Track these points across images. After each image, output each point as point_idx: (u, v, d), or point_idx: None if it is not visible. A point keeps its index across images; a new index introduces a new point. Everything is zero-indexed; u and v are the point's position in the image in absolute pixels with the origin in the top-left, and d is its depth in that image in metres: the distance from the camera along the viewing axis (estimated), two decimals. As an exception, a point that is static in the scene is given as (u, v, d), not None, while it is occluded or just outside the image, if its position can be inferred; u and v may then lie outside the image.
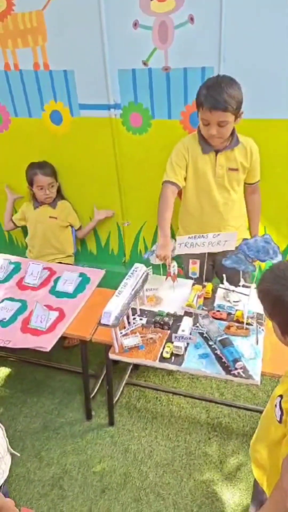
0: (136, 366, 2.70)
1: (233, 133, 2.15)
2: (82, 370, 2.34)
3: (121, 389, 2.55)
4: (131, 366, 2.66)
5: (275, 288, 1.17)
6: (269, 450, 1.32)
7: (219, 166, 2.20)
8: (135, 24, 2.23)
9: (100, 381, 2.55)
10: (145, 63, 2.35)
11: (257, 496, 1.69)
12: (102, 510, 2.02)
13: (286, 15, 1.99)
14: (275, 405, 1.24)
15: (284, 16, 1.99)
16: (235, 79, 2.02)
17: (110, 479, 2.15)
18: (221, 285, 2.27)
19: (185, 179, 2.29)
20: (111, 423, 2.40)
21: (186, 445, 2.28)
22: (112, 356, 1.98)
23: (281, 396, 1.22)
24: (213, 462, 2.20)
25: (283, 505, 1.19)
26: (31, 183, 2.80)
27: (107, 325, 1.88)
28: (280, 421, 1.23)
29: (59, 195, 2.89)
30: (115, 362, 2.67)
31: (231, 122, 2.05)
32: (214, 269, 2.48)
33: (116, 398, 2.47)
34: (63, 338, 2.88)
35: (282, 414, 1.21)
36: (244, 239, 2.12)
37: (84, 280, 2.42)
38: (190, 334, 1.94)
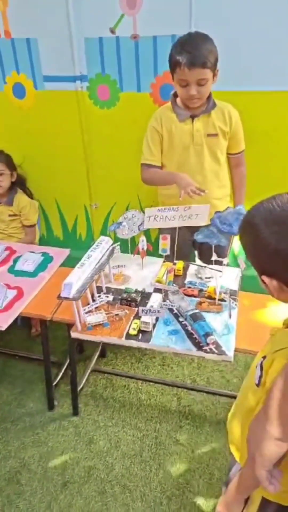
0: (103, 354, 2.54)
1: (209, 96, 2.03)
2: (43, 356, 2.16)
3: (86, 377, 2.37)
4: (97, 353, 2.49)
5: (255, 216, 0.99)
6: (243, 420, 1.19)
7: (196, 132, 2.07)
8: (101, -13, 2.12)
9: (63, 369, 2.36)
10: (112, 31, 2.24)
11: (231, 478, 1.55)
12: (63, 505, 1.84)
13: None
14: (256, 367, 1.11)
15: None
16: (208, 34, 1.89)
17: (73, 472, 1.97)
18: (192, 263, 2.15)
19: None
20: (75, 413, 2.22)
21: (155, 435, 2.12)
22: (74, 334, 1.81)
23: (264, 357, 1.09)
24: (185, 452, 2.04)
25: (251, 481, 1.07)
26: None
27: (67, 298, 1.72)
28: (258, 384, 1.10)
29: (15, 188, 2.64)
30: (81, 350, 2.53)
31: (210, 80, 1.93)
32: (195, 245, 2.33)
33: (81, 387, 2.29)
34: (29, 327, 2.72)
35: (261, 376, 1.09)
36: (217, 212, 2.00)
37: (46, 259, 2.25)
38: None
